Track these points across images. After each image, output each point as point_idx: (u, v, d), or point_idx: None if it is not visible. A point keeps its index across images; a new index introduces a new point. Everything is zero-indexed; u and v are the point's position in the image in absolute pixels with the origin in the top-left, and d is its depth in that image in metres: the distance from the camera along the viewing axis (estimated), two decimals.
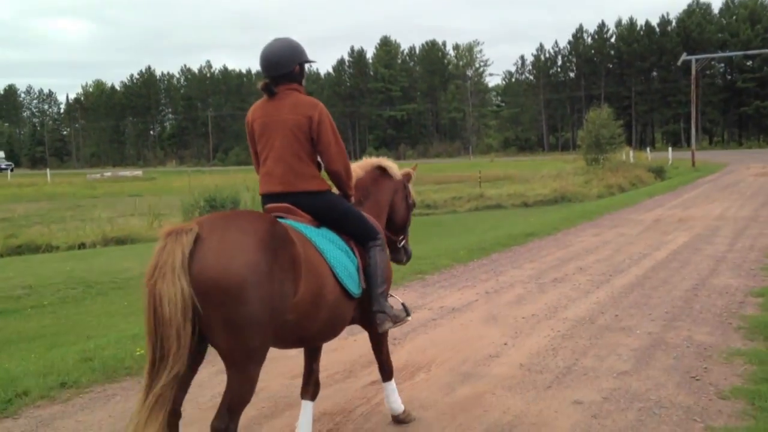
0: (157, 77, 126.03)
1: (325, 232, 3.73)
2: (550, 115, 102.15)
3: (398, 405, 4.36)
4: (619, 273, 9.25)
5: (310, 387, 4.11)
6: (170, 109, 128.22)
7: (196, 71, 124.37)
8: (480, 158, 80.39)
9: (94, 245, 18.53)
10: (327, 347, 5.46)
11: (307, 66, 3.97)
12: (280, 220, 3.48)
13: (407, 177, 4.65)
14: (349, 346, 6.08)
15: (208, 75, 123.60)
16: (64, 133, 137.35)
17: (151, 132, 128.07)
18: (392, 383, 4.34)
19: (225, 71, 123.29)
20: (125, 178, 59.65)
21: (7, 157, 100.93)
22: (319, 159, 3.85)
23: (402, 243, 4.60)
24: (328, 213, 3.81)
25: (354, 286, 3.71)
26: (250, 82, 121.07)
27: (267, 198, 3.83)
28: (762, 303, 7.04)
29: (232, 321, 2.95)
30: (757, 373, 4.91)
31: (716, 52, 77.71)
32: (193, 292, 2.89)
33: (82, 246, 18.41)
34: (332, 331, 3.75)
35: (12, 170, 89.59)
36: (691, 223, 15.20)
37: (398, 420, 4.35)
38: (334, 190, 4.00)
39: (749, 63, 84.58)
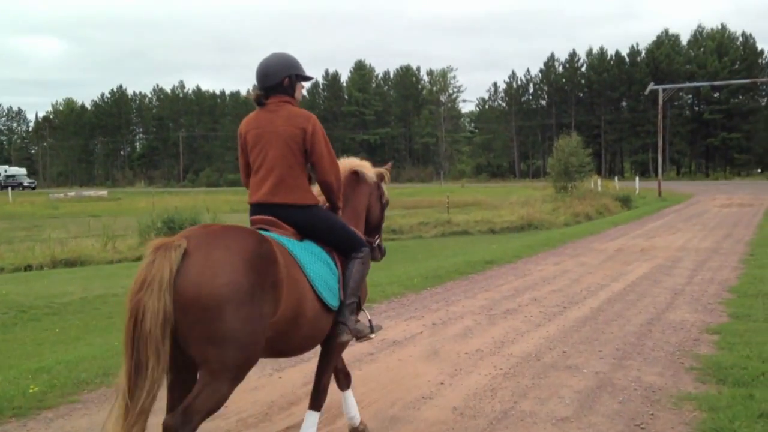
0: (129, 96, 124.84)
1: (307, 245, 3.77)
2: (521, 142, 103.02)
3: (354, 415, 4.29)
4: (574, 305, 8.87)
5: (342, 378, 4.37)
6: (141, 129, 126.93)
7: (169, 91, 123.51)
8: (451, 184, 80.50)
9: (41, 267, 17.78)
10: (246, 386, 4.99)
11: (306, 82, 4.07)
12: (264, 233, 3.53)
13: (381, 177, 4.64)
14: (271, 384, 5.57)
15: (181, 95, 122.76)
16: (32, 151, 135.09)
17: (122, 152, 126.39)
18: (316, 416, 4.02)
19: (198, 92, 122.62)
20: (89, 198, 58.46)
21: None
22: (309, 171, 3.93)
23: (377, 242, 4.60)
24: (314, 227, 3.86)
25: (333, 299, 3.75)
26: (224, 104, 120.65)
27: (255, 207, 3.87)
28: (717, 341, 6.69)
29: (210, 338, 2.99)
30: (707, 422, 4.51)
31: (684, 83, 79.37)
32: (174, 306, 2.95)
33: (28, 268, 17.64)
34: (312, 343, 3.80)
35: (34, 188, 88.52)
36: (653, 253, 14.97)
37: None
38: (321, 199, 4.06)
39: (716, 95, 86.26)
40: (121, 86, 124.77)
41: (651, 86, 40.74)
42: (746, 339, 6.49)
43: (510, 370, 5.90)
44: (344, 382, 4.36)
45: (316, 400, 4.01)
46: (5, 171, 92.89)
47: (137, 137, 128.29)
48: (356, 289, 3.91)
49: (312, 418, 3.97)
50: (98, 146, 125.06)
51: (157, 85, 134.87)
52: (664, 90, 39.71)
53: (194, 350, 3.04)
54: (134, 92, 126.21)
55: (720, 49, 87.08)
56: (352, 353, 6.10)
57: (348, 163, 4.44)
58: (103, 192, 65.42)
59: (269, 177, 3.79)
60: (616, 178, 56.78)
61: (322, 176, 3.91)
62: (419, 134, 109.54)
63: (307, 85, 4.06)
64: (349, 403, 4.34)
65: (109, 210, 43.85)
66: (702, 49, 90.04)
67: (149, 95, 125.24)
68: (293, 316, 3.42)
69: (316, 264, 3.68)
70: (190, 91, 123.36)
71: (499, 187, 62.70)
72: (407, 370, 6.00)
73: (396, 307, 9.11)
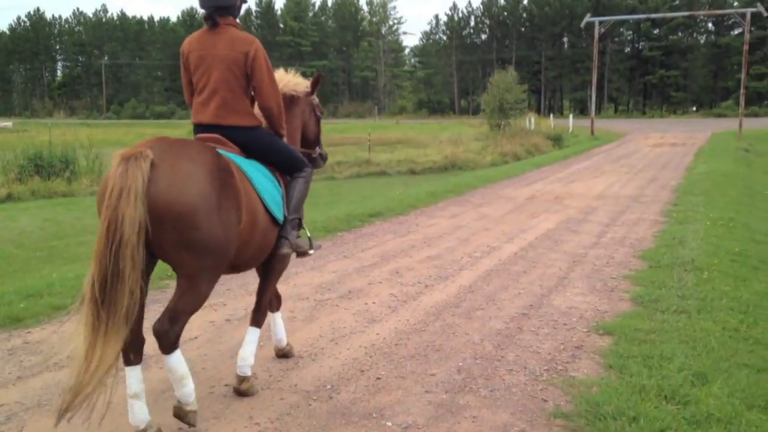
0: (48, 20, 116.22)
1: (253, 162, 3.84)
2: (462, 77, 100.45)
3: (251, 359, 4.02)
4: (441, 282, 6.83)
5: (274, 300, 4.47)
6: (62, 56, 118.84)
7: (91, 15, 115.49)
8: (388, 120, 77.84)
9: None
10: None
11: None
12: (218, 151, 3.53)
13: (312, 89, 4.56)
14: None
15: (104, 20, 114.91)
16: None
17: (42, 81, 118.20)
18: (257, 332, 4.10)
19: (123, 17, 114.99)
20: None
21: None
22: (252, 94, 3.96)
23: (317, 152, 4.71)
24: (256, 147, 3.92)
25: (279, 212, 3.86)
26: (152, 30, 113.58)
27: (199, 128, 3.90)
28: (605, 351, 4.70)
29: (185, 244, 3.12)
30: None
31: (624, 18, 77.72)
32: (149, 216, 3.04)
33: None
34: (260, 256, 3.87)
35: None
36: (567, 202, 13.11)
37: (240, 391, 4.00)
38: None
39: (656, 31, 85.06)
40: (38, 9, 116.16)
41: (587, 18, 38.66)
42: (645, 351, 4.52)
43: (282, 418, 3.77)
44: (275, 304, 4.48)
45: (258, 317, 4.12)
46: None
47: (58, 65, 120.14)
48: (298, 207, 4.03)
49: (254, 335, 4.06)
50: (15, 74, 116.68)
51: (78, 9, 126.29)
52: (600, 23, 37.69)
53: (170, 256, 3.19)
54: (53, 16, 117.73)
55: None
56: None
57: (281, 83, 4.27)
58: (7, 123, 60.36)
59: (213, 99, 3.82)
60: (551, 115, 55.10)
61: (264, 101, 3.94)
62: (358, 68, 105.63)
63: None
64: (278, 324, 4.50)
65: (5, 143, 39.93)
66: None
67: (70, 19, 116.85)
68: (251, 225, 3.54)
69: (262, 179, 3.76)
70: (114, 16, 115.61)
71: (434, 124, 60.36)
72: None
73: (235, 278, 6.88)
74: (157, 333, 3.17)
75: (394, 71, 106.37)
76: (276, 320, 4.51)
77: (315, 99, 4.66)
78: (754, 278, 6.68)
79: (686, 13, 51.87)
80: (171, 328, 3.17)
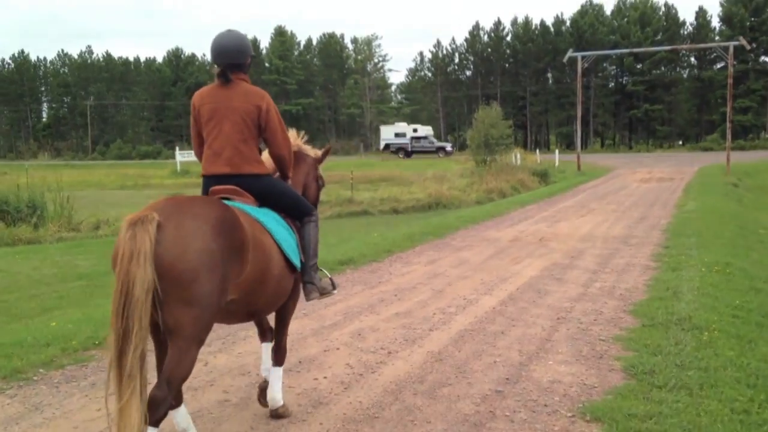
0: (32, 62, 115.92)
1: (267, 211, 3.99)
2: (447, 113, 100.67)
3: (279, 396, 4.36)
4: (407, 347, 6.00)
5: (267, 333, 4.56)
6: (48, 98, 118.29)
7: (76, 56, 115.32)
8: (374, 156, 77.44)
9: None
10: None
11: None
12: (227, 202, 3.72)
13: (318, 159, 4.82)
14: None
15: (89, 61, 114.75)
16: None
17: (27, 122, 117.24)
18: (280, 370, 4.38)
19: (108, 58, 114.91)
20: None
21: None
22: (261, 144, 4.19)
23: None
24: (269, 194, 4.09)
25: (296, 259, 4.01)
26: (137, 71, 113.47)
27: (212, 179, 4.01)
28: None
29: (187, 300, 3.20)
30: None
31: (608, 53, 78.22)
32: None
33: None
34: (278, 301, 4.04)
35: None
36: (553, 244, 12.37)
37: (276, 414, 4.36)
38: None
39: (639, 66, 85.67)
40: (23, 51, 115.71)
41: (570, 53, 38.53)
42: None
43: None
44: (270, 336, 4.53)
45: (277, 357, 4.36)
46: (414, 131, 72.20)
47: (44, 106, 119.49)
48: (315, 250, 4.26)
49: (277, 373, 4.35)
50: (0, 116, 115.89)
51: (63, 50, 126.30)
52: (583, 57, 37.53)
53: (170, 314, 3.22)
54: (38, 58, 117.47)
55: (643, 19, 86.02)
56: None
57: (294, 141, 4.57)
58: None
59: (225, 150, 3.97)
60: (537, 151, 54.97)
61: (276, 150, 4.17)
62: (345, 105, 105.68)
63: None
64: (267, 354, 4.50)
65: (12, 184, 38.97)
66: (626, 19, 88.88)
67: (55, 61, 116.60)
68: (262, 275, 3.66)
69: (278, 228, 3.92)
70: (99, 57, 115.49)
71: (421, 161, 59.98)
72: None
73: None
74: (155, 401, 3.19)
75: (380, 107, 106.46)
76: (265, 350, 4.59)
77: (320, 169, 4.89)
78: (760, 338, 5.90)
79: (669, 48, 52.15)
80: (168, 395, 3.23)
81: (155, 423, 3.19)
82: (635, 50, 54.58)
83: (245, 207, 3.82)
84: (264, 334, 4.58)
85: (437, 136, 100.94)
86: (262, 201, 4.07)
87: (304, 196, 4.61)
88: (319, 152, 4.85)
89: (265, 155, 4.31)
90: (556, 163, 44.25)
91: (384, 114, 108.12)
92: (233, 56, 4.04)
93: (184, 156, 51.34)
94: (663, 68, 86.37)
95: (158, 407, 3.19)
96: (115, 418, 3.10)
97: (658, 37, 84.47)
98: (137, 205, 22.80)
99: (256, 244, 3.61)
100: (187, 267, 3.18)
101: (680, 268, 9.33)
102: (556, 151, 51.09)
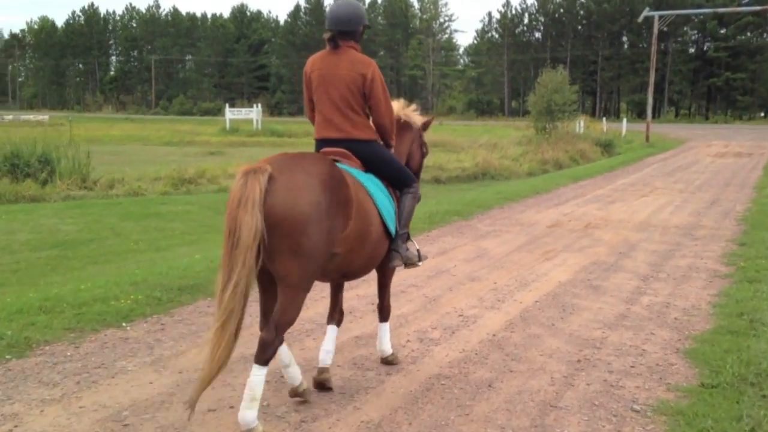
0: (102, 15, 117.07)
1: (371, 176, 4.08)
2: (513, 77, 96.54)
3: (388, 347, 4.67)
4: (340, 413, 4.10)
5: (336, 314, 4.44)
6: (115, 51, 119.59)
7: (144, 11, 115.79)
8: (434, 121, 74.75)
9: None
10: None
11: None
12: (336, 164, 3.81)
13: (424, 126, 4.89)
14: None
15: (156, 16, 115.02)
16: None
17: (95, 75, 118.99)
18: (387, 325, 4.64)
19: (175, 12, 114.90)
20: (27, 122, 52.96)
21: None
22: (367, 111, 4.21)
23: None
24: (374, 160, 4.17)
25: (392, 225, 4.09)
26: (203, 27, 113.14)
27: (323, 142, 4.15)
28: None
29: (295, 250, 3.36)
30: None
31: (689, 16, 72.73)
32: (265, 224, 3.29)
33: None
34: (371, 264, 4.13)
35: None
36: (600, 234, 10.18)
37: (386, 361, 4.66)
38: None
39: (722, 31, 79.63)
40: (92, 4, 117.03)
41: (646, 12, 35.01)
42: None
43: None
44: (337, 318, 4.46)
45: (383, 314, 4.64)
46: None
47: (111, 60, 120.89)
48: (408, 221, 4.31)
49: (384, 327, 4.66)
50: (69, 68, 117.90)
51: (131, 4, 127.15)
52: (660, 17, 34.00)
53: (279, 263, 3.38)
54: (107, 11, 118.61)
55: None
56: None
57: (396, 107, 4.57)
58: (44, 116, 59.73)
59: (335, 116, 4.08)
60: (604, 119, 51.38)
61: (379, 119, 4.20)
62: (407, 66, 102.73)
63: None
64: (331, 337, 4.38)
65: (26, 138, 38.75)
66: None
67: (123, 14, 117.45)
68: (360, 234, 3.76)
69: (379, 194, 4.01)
70: (165, 12, 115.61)
71: (478, 126, 57.20)
72: None
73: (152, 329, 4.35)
74: (264, 343, 3.39)
75: (443, 70, 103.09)
76: (330, 332, 4.42)
77: (424, 137, 4.93)
78: None
79: (757, 8, 47.10)
80: (275, 339, 3.41)
81: (265, 362, 3.41)
82: (719, 10, 49.72)
83: (351, 170, 3.94)
84: (332, 315, 4.47)
85: (501, 101, 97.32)
86: (368, 166, 4.16)
87: (407, 164, 4.70)
88: (421, 119, 4.85)
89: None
90: (623, 133, 41.02)
91: (447, 76, 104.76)
92: (344, 23, 4.08)
93: (234, 114, 50.15)
94: (749, 33, 80.00)
95: (266, 348, 3.39)
96: (207, 346, 3.27)
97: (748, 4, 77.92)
98: (168, 163, 21.32)
99: (359, 204, 3.75)
100: (297, 218, 3.32)
101: (760, 279, 7.07)
102: (624, 119, 47.44)
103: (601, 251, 8.90)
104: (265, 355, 3.40)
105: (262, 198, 3.26)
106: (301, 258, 3.36)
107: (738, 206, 13.26)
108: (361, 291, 6.73)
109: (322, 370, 4.23)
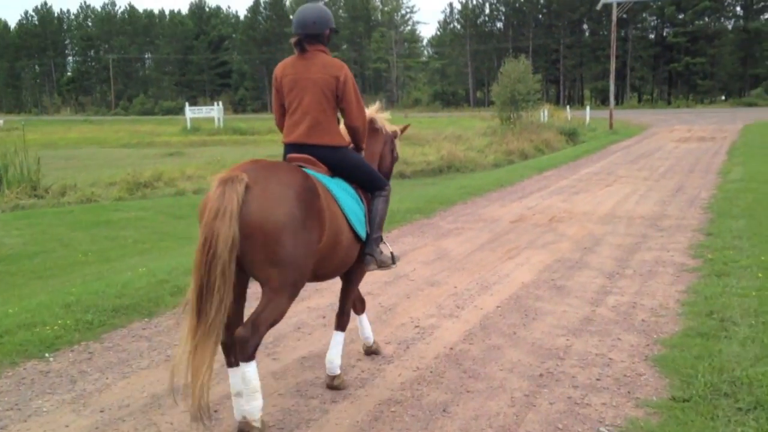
0: (56, 15, 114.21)
1: (338, 181, 4.08)
2: (476, 68, 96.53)
3: (338, 362, 4.38)
4: None
5: (359, 304, 4.73)
6: (72, 52, 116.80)
7: (99, 9, 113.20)
8: (398, 113, 74.51)
9: None
10: None
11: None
12: (304, 170, 3.83)
13: (395, 133, 4.98)
14: None
15: (112, 14, 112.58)
16: None
17: (52, 77, 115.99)
18: (342, 335, 4.43)
19: (131, 10, 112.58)
20: None
21: None
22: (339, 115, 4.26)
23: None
24: (344, 166, 4.16)
25: (362, 230, 4.12)
26: (162, 23, 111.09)
27: (291, 147, 4.14)
28: None
29: (272, 259, 3.37)
30: None
31: (647, 3, 73.38)
32: (240, 233, 3.30)
33: None
34: (342, 268, 4.15)
35: None
36: (564, 228, 9.90)
37: (331, 385, 4.38)
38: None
39: (680, 17, 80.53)
40: (45, 3, 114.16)
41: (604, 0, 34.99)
42: None
43: None
44: (360, 307, 4.76)
45: (342, 322, 4.42)
46: None
47: (68, 61, 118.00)
48: (381, 224, 4.33)
49: (339, 337, 4.39)
50: (24, 70, 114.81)
51: (85, 2, 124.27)
52: (618, 4, 34.02)
53: (257, 271, 3.42)
54: (61, 10, 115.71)
55: None
56: None
57: (370, 111, 4.65)
58: None
59: (304, 120, 4.06)
60: (567, 107, 51.52)
61: (351, 121, 4.20)
62: (370, 59, 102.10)
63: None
64: (364, 325, 4.80)
65: None
66: None
67: (77, 13, 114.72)
68: (333, 243, 3.80)
69: (347, 199, 4.01)
70: (121, 10, 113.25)
71: (444, 118, 56.98)
72: None
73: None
74: (240, 339, 3.36)
75: (407, 62, 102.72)
76: (362, 321, 4.76)
77: (397, 142, 5.04)
78: None
79: None
80: (252, 336, 3.36)
81: (247, 359, 3.37)
82: None
83: (317, 175, 3.90)
84: (355, 306, 4.72)
85: (465, 92, 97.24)
86: (336, 171, 4.15)
87: (379, 167, 4.73)
88: (396, 127, 4.95)
89: (342, 126, 4.31)
90: (587, 121, 41.10)
91: (411, 69, 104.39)
92: (309, 26, 4.08)
93: (195, 112, 49.19)
94: (706, 18, 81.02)
95: (244, 345, 3.35)
96: (185, 359, 3.25)
97: None
98: (125, 167, 20.52)
99: (331, 214, 3.76)
100: (272, 228, 3.33)
101: (728, 273, 6.81)
102: (587, 107, 47.61)
103: (566, 247, 8.60)
104: (245, 352, 3.37)
105: (239, 209, 3.27)
106: (280, 266, 3.38)
107: (703, 193, 13.12)
108: (312, 302, 6.31)
109: (368, 347, 4.81)
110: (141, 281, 6.87)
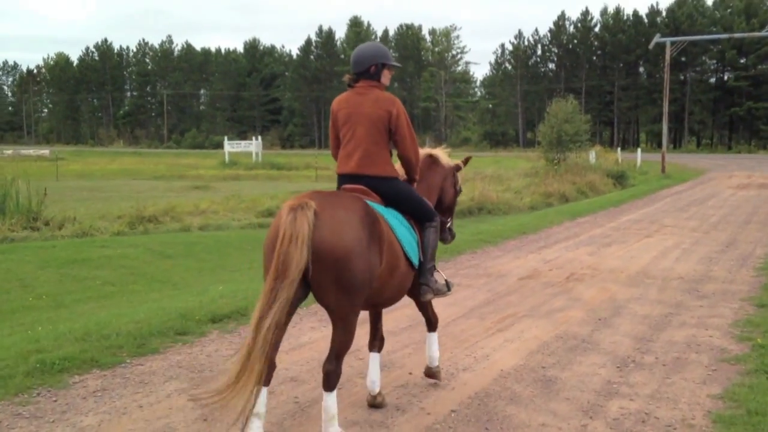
0: (115, 51, 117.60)
1: (392, 211, 4.18)
2: (527, 108, 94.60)
3: (435, 356, 4.83)
4: None
5: (377, 342, 4.58)
6: (129, 86, 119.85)
7: (157, 46, 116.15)
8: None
9: None
10: None
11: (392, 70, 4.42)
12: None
13: (457, 167, 5.04)
14: None
15: (169, 51, 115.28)
16: (13, 108, 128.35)
17: (109, 110, 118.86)
18: (435, 335, 4.85)
19: (188, 48, 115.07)
20: (28, 157, 51.92)
21: None
22: (391, 147, 4.36)
23: (449, 224, 5.06)
24: (395, 196, 4.26)
25: (415, 258, 4.19)
26: (217, 60, 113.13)
27: (344, 178, 4.28)
28: None
29: (341, 283, 3.49)
30: None
31: (706, 45, 70.65)
32: (311, 258, 3.41)
33: None
34: (399, 296, 4.29)
35: None
36: (581, 288, 8.11)
37: (429, 373, 4.84)
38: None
39: (742, 60, 77.28)
40: (106, 40, 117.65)
41: (657, 38, 32.98)
42: None
43: None
44: (377, 345, 4.60)
45: (431, 325, 4.86)
46: None
47: (125, 95, 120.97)
48: (433, 254, 4.43)
49: (432, 336, 4.85)
50: (84, 103, 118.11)
51: (143, 39, 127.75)
52: (672, 43, 31.99)
53: (327, 296, 3.53)
54: (120, 47, 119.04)
55: (749, 10, 77.12)
56: None
57: (427, 149, 4.89)
58: (44, 151, 58.85)
59: (357, 151, 4.18)
60: (618, 149, 49.21)
61: (404, 152, 4.34)
62: (420, 98, 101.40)
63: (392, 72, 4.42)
64: (373, 365, 4.51)
65: (20, 172, 37.46)
66: (729, 10, 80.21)
67: (136, 50, 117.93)
68: (391, 268, 3.89)
69: (400, 227, 4.10)
70: (179, 47, 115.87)
71: (488, 157, 55.25)
72: None
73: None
74: (329, 373, 3.58)
75: (456, 102, 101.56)
76: (373, 360, 4.52)
77: (459, 176, 5.08)
78: None
79: None
80: (337, 368, 3.59)
81: (331, 389, 3.62)
82: (734, 35, 47.47)
83: (374, 205, 3.97)
84: (373, 342, 4.57)
85: (515, 132, 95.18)
86: (388, 201, 4.22)
87: (440, 200, 4.90)
88: (459, 161, 5.03)
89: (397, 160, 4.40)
90: (638, 164, 38.81)
91: (460, 108, 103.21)
92: (357, 65, 4.27)
93: (233, 147, 48.83)
94: None
95: (330, 377, 3.59)
96: (237, 371, 3.31)
97: (766, 30, 75.67)
98: (145, 199, 19.53)
99: (389, 240, 3.88)
100: (343, 252, 3.44)
101: None
102: (639, 150, 45.18)
103: (575, 317, 6.83)
104: (330, 383, 3.60)
105: (310, 234, 3.36)
106: (348, 291, 3.48)
107: (758, 249, 11.12)
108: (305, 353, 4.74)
109: (374, 396, 4.47)
110: (64, 338, 5.55)
